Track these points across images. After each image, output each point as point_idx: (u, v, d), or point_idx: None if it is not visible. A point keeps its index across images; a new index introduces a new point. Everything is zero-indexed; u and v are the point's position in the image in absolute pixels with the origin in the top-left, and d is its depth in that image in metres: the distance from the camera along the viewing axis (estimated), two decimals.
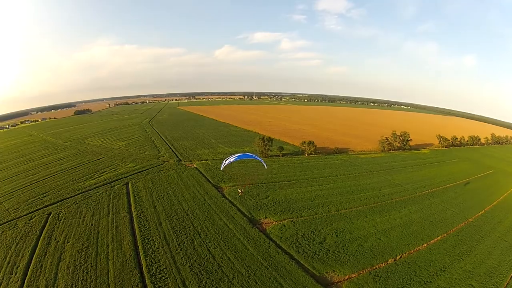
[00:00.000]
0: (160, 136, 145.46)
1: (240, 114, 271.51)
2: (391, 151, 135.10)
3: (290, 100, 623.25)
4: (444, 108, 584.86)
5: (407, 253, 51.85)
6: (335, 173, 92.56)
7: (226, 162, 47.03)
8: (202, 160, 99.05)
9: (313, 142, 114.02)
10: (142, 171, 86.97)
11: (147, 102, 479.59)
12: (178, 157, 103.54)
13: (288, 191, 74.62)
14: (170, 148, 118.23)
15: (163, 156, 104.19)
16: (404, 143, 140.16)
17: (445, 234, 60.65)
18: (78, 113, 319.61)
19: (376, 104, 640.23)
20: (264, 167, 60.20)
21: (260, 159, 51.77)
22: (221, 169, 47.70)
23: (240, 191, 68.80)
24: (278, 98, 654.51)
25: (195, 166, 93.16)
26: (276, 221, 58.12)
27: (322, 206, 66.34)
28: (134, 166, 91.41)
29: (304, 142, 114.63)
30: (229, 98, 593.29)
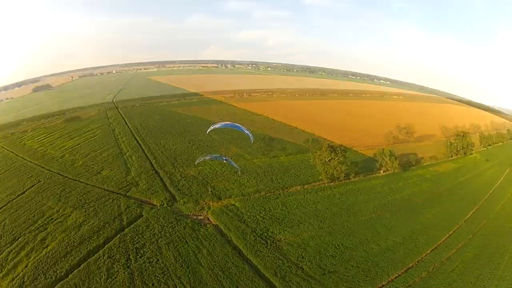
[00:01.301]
0: (127, 126, 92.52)
1: (231, 87, 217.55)
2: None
3: (269, 69, 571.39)
4: (423, 86, 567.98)
5: None
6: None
7: (212, 127, 42.22)
8: (222, 199, 51.05)
9: (392, 153, 70.91)
10: (96, 249, 37.49)
11: (113, 72, 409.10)
12: (166, 186, 54.35)
13: None
14: (148, 158, 67.25)
15: (138, 185, 54.19)
16: None
17: None
18: (36, 89, 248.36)
19: (356, 77, 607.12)
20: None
21: (247, 132, 41.37)
22: (206, 132, 44.28)
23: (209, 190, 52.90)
24: (254, 66, 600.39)
25: (210, 219, 45.13)
26: None
27: None
28: (80, 228, 41.31)
29: (383, 153, 70.70)
30: (202, 66, 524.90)
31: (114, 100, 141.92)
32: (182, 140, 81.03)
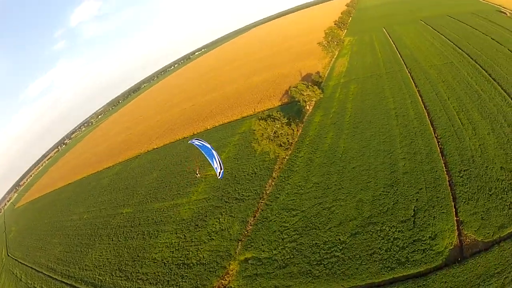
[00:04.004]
0: (42, 273, 65.20)
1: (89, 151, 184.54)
2: None
3: (99, 117, 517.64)
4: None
5: None
6: None
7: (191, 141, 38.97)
8: (232, 262, 38.93)
9: (307, 84, 69.48)
10: None
11: None
12: None
13: None
14: None
15: None
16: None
17: None
18: None
19: (175, 64, 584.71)
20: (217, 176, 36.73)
21: (216, 165, 34.96)
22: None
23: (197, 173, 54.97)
24: (86, 125, 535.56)
25: None
26: None
27: None
28: None
29: (299, 90, 67.23)
30: (47, 160, 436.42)
31: (9, 254, 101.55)
32: (103, 244, 60.57)
